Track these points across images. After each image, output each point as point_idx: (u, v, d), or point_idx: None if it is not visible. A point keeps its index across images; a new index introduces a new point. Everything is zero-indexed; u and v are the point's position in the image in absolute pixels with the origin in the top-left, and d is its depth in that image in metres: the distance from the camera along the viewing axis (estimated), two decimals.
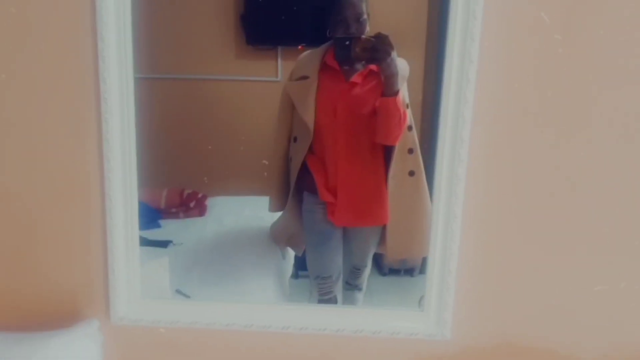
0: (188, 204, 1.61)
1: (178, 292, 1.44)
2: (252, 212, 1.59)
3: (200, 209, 1.62)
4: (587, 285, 1.31)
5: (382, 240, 1.45)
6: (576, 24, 1.16)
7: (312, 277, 1.51)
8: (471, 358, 1.35)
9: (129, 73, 1.19)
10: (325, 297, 1.49)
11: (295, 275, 1.57)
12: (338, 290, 1.50)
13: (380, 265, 1.55)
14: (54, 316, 1.34)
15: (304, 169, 1.43)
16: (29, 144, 1.26)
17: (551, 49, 1.17)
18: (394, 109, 1.33)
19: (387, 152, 1.38)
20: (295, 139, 1.43)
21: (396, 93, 1.33)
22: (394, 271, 1.55)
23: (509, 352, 1.35)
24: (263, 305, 1.38)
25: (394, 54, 1.30)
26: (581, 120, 1.21)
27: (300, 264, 1.56)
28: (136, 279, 1.32)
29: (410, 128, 1.36)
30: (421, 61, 1.42)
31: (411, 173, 1.38)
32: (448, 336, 1.31)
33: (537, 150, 1.23)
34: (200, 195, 1.61)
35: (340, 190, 1.42)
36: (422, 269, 1.51)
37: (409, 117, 1.36)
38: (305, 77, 1.39)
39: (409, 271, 1.54)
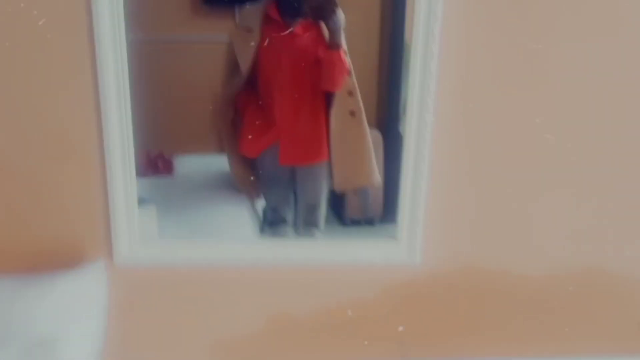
0: (156, 164, 1.64)
1: None
2: (218, 167, 1.63)
3: (168, 168, 1.65)
4: (542, 210, 1.45)
5: (330, 176, 1.57)
6: None
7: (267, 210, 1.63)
8: (439, 281, 1.49)
9: (122, 30, 1.27)
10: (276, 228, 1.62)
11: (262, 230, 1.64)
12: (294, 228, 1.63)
13: (341, 216, 1.60)
14: (59, 260, 1.40)
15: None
16: (30, 95, 1.31)
17: None
18: (338, 61, 1.43)
19: (327, 96, 1.49)
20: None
21: (339, 46, 1.43)
22: (355, 221, 1.61)
23: (472, 275, 1.49)
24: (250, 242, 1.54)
25: (338, 10, 1.39)
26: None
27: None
28: (135, 222, 1.42)
29: (349, 73, 1.46)
30: (377, 22, 1.50)
31: (352, 113, 1.48)
32: (418, 262, 1.45)
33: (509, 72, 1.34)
34: (166, 156, 1.64)
35: (284, 131, 1.53)
36: (383, 219, 1.58)
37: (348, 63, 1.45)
38: (248, 30, 1.46)
39: (370, 221, 1.60)
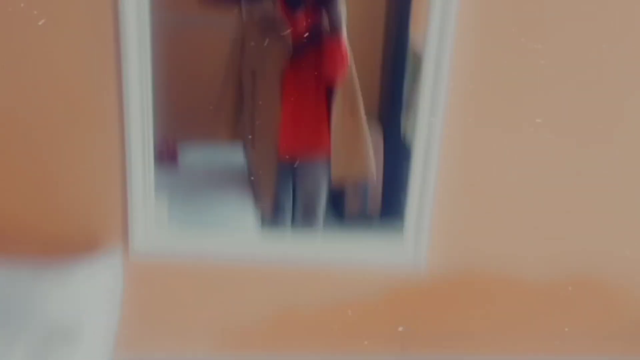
0: (161, 151, 1.66)
1: None
2: (223, 157, 1.65)
3: (172, 157, 1.66)
4: (546, 214, 1.44)
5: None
6: None
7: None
8: (442, 282, 1.47)
9: (146, 12, 1.26)
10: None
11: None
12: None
13: (340, 212, 1.61)
14: (75, 246, 1.40)
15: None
16: (50, 79, 1.31)
17: None
18: (338, 46, 1.46)
19: (328, 92, 1.52)
20: (254, 73, 1.54)
21: (340, 31, 1.45)
22: (354, 217, 1.62)
23: (475, 277, 1.47)
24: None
25: None
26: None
27: None
28: (152, 212, 1.41)
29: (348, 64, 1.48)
30: (381, 22, 1.52)
31: (351, 107, 1.51)
32: (423, 264, 1.43)
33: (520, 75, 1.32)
34: (171, 143, 1.65)
35: (285, 123, 1.56)
36: (382, 215, 1.58)
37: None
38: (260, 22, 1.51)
39: (368, 217, 1.60)
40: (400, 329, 1.51)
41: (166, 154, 1.65)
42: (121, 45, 1.26)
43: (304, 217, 1.63)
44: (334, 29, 1.45)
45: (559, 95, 1.35)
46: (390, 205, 1.46)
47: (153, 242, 1.41)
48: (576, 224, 1.45)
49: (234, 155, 1.65)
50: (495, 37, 1.30)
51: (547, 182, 1.41)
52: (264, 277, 1.46)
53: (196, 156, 1.68)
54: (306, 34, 1.50)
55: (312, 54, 1.50)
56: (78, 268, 1.30)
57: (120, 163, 1.36)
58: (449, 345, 1.53)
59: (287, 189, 1.62)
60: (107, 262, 1.36)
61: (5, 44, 1.28)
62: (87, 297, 1.29)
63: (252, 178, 1.63)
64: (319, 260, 1.45)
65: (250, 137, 1.58)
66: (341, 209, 1.61)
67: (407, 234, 1.41)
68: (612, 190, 1.43)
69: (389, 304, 1.49)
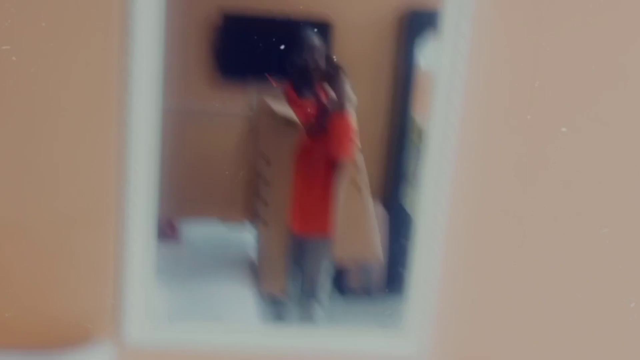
0: (164, 229, 1.67)
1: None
2: (224, 235, 1.66)
3: (174, 234, 1.67)
4: (561, 312, 1.44)
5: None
6: None
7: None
8: None
9: (154, 104, 1.30)
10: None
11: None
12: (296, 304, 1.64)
13: (341, 286, 1.62)
14: (67, 338, 1.38)
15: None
16: (50, 166, 1.32)
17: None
18: (345, 123, 1.51)
19: (335, 169, 1.56)
20: (268, 162, 1.57)
21: (346, 108, 1.50)
22: (355, 292, 1.63)
23: None
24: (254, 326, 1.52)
25: (342, 72, 1.48)
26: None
27: None
28: (149, 304, 1.40)
29: (356, 144, 1.52)
30: (385, 99, 1.57)
31: (357, 187, 1.54)
32: (427, 358, 1.41)
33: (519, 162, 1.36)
34: (173, 221, 1.66)
35: (296, 202, 1.59)
36: (385, 291, 1.60)
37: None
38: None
39: (370, 292, 1.62)
40: None
41: (169, 231, 1.67)
42: (127, 131, 1.30)
43: (307, 293, 1.64)
44: (340, 105, 1.50)
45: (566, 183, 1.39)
46: (393, 280, 1.48)
47: (147, 334, 1.40)
48: (583, 324, 1.47)
49: (236, 234, 1.67)
50: (499, 119, 1.35)
51: (557, 271, 1.43)
52: None
53: (197, 234, 1.69)
54: (316, 116, 1.55)
55: (321, 135, 1.55)
56: (71, 358, 1.30)
57: (114, 254, 1.35)
58: None
59: (294, 265, 1.64)
60: (99, 353, 1.34)
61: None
62: None
63: (260, 259, 1.65)
64: (319, 350, 1.45)
65: (262, 217, 1.61)
66: (342, 282, 1.63)
67: (408, 326, 1.41)
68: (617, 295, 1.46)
69: None
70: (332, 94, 1.51)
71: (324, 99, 1.53)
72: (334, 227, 1.57)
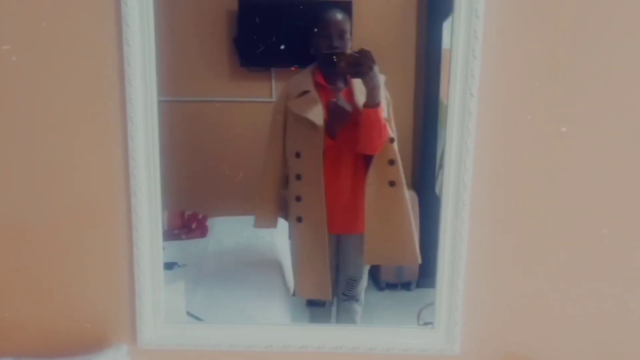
0: (190, 225, 1.65)
1: (188, 314, 1.46)
2: (251, 231, 1.62)
3: (201, 230, 1.65)
4: (588, 300, 1.34)
5: None
6: None
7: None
8: None
9: (154, 96, 1.25)
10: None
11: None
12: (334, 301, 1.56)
13: (377, 280, 1.56)
14: (82, 342, 1.37)
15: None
16: (57, 170, 1.30)
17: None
18: (376, 120, 1.42)
19: (367, 163, 1.45)
20: (298, 154, 1.48)
21: (378, 104, 1.41)
22: (391, 285, 1.56)
23: None
24: (279, 326, 1.43)
25: (375, 68, 1.38)
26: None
27: None
28: (161, 304, 1.35)
29: (392, 140, 1.43)
30: (411, 81, 1.51)
31: (392, 183, 1.44)
32: (457, 352, 1.34)
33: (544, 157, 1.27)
34: (200, 216, 1.64)
35: (329, 201, 1.48)
36: (419, 283, 1.52)
37: (391, 130, 1.43)
38: (306, 92, 1.46)
39: (406, 285, 1.55)
40: None
41: (196, 227, 1.64)
42: (128, 134, 1.26)
43: (345, 292, 1.56)
44: (371, 98, 1.40)
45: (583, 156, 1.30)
46: (428, 271, 1.40)
47: (161, 336, 1.36)
48: (615, 314, 1.37)
49: (265, 232, 1.61)
50: (525, 93, 1.26)
51: (589, 258, 1.33)
52: None
53: (225, 228, 1.66)
54: (344, 107, 1.46)
55: (350, 128, 1.45)
56: None
57: (128, 259, 1.32)
58: None
59: (332, 262, 1.54)
60: (115, 356, 1.32)
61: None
62: None
63: (296, 258, 1.56)
64: (351, 348, 1.36)
65: (297, 215, 1.52)
66: (377, 276, 1.56)
67: (439, 321, 1.33)
68: None
69: None
70: (364, 88, 1.40)
71: (354, 93, 1.44)
72: (362, 226, 1.46)
